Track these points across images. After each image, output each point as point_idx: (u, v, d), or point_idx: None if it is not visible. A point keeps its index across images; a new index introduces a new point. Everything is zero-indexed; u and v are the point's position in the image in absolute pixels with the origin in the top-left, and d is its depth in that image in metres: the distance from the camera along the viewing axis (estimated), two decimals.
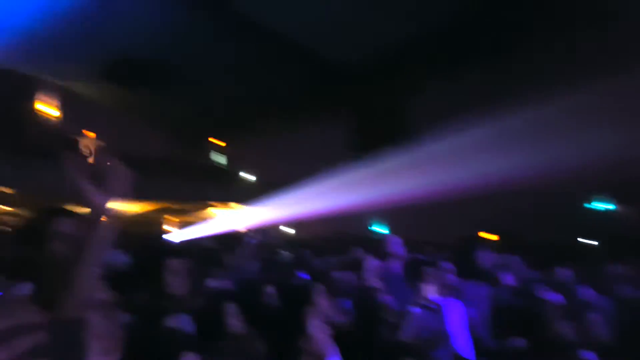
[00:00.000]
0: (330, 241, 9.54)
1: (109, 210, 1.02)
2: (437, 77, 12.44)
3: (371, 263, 3.79)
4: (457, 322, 3.02)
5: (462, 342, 2.99)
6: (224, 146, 19.63)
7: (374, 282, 3.61)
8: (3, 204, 12.95)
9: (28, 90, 14.33)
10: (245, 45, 11.85)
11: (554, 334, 3.11)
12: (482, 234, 10.88)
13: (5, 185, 11.23)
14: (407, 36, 11.65)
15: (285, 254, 6.49)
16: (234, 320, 2.44)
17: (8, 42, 11.77)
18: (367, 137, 13.27)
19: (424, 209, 10.27)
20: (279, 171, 13.85)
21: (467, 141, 9.46)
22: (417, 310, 2.82)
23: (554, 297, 3.33)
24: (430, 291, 2.89)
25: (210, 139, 20.00)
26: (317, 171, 10.57)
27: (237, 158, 18.06)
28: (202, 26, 10.92)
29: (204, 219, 15.26)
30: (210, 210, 16.73)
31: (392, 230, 11.74)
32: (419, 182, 9.67)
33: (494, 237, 11.47)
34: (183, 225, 16.89)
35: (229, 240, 9.68)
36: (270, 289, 3.59)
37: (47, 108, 14.83)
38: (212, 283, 3.97)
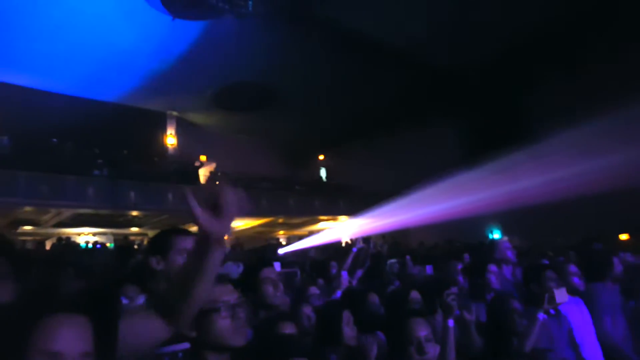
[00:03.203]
0: (440, 248, 9.17)
1: (226, 233, 1.10)
2: (556, 73, 11.59)
3: (492, 268, 3.56)
4: (583, 329, 2.69)
5: (591, 351, 2.65)
6: (331, 161, 20.18)
7: (497, 287, 3.42)
8: (133, 225, 14.69)
9: (152, 123, 16.21)
10: (351, 60, 12.12)
11: None
12: (613, 234, 9.65)
13: (134, 209, 12.78)
14: (524, 34, 11.09)
15: (392, 262, 6.38)
16: (347, 327, 2.46)
17: (135, 83, 13.54)
18: (481, 140, 12.64)
19: (544, 210, 9.45)
20: (387, 181, 13.78)
21: (589, 137, 8.57)
22: (540, 316, 2.56)
23: None
24: (557, 298, 2.60)
25: (319, 156, 20.72)
26: (427, 178, 10.31)
27: (344, 171, 18.36)
28: (306, 48, 11.40)
29: (312, 232, 15.72)
30: (318, 223, 17.19)
31: (509, 234, 10.93)
32: (538, 183, 8.95)
33: (625, 237, 10.06)
34: (292, 238, 17.57)
35: (335, 251, 9.88)
36: (373, 297, 3.55)
37: (169, 138, 16.65)
38: (318, 292, 4.04)
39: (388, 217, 10.91)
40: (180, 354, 1.54)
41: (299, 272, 6.33)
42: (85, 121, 12.78)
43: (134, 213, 13.06)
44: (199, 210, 1.06)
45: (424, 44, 11.55)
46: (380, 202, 11.54)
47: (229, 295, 1.53)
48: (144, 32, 11.27)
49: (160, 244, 1.79)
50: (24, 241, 12.65)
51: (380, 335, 2.86)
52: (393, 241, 10.39)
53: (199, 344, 1.48)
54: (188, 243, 1.75)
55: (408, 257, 5.81)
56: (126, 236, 14.19)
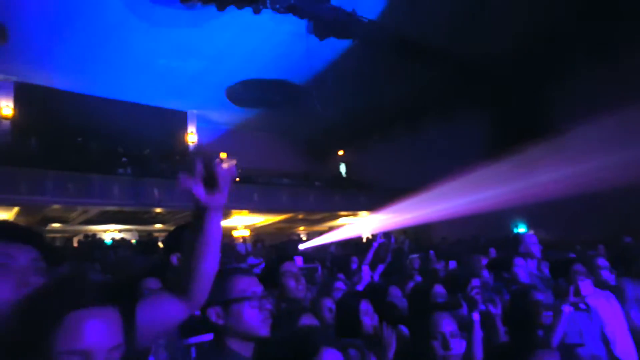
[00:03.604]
0: (464, 243, 9.04)
1: (222, 203, 1.12)
2: (582, 64, 11.28)
3: (519, 262, 3.50)
4: (615, 324, 2.60)
5: (623, 346, 2.56)
6: (351, 156, 20.11)
7: (525, 281, 3.36)
8: (157, 222, 14.94)
9: (174, 122, 16.44)
10: (371, 54, 12.01)
11: None
12: None
13: (157, 206, 13.03)
14: (549, 24, 10.82)
15: (413, 257, 6.33)
16: (366, 317, 2.45)
17: (156, 82, 13.73)
18: (506, 133, 12.40)
19: (571, 204, 9.21)
20: (408, 175, 13.66)
21: (617, 128, 8.31)
22: (566, 308, 2.49)
23: None
24: (581, 290, 2.53)
25: (338, 151, 20.69)
26: (449, 172, 10.16)
27: (364, 166, 18.26)
28: (325, 42, 11.35)
29: (332, 228, 15.72)
30: (338, 219, 17.18)
31: (534, 228, 10.71)
32: (565, 175, 8.73)
33: None
34: (313, 233, 17.60)
35: (356, 247, 9.85)
36: (395, 291, 3.52)
37: (190, 136, 16.87)
38: (344, 287, 4.03)
39: (409, 212, 10.81)
40: (206, 345, 1.56)
41: (319, 268, 6.35)
42: (109, 121, 13.06)
43: (158, 210, 13.29)
44: (193, 186, 1.11)
45: (447, 36, 11.35)
46: (401, 197, 11.44)
47: (256, 286, 1.55)
48: (164, 32, 11.42)
49: (178, 241, 1.82)
50: (53, 238, 13.03)
51: (403, 329, 2.84)
52: (415, 236, 10.31)
53: (225, 332, 1.49)
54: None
55: (432, 252, 5.76)
56: (150, 233, 14.45)
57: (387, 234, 4.86)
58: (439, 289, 2.72)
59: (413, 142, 15.59)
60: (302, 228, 18.68)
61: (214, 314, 1.48)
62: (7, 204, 10.74)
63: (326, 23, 10.83)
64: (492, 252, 5.10)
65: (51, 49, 11.57)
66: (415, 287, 3.06)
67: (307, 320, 2.16)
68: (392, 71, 12.60)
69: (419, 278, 4.20)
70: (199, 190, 1.11)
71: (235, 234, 15.25)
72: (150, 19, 10.92)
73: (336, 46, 11.93)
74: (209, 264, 1.15)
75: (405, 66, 12.37)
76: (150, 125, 14.79)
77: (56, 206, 11.50)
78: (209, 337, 1.54)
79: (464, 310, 2.64)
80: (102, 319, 0.87)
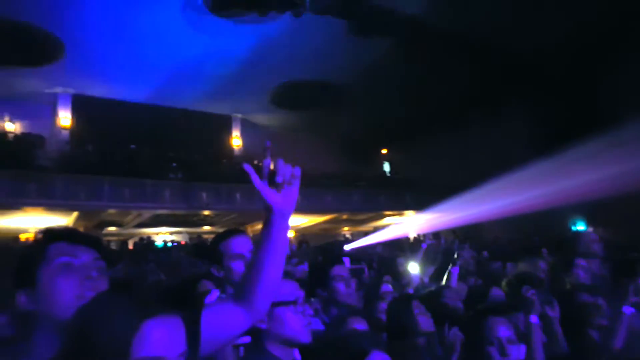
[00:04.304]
0: (518, 243, 8.65)
1: (289, 208, 1.15)
2: (638, 54, 10.56)
3: (580, 262, 3.30)
4: None
5: None
6: (396, 155, 19.85)
7: (586, 282, 3.16)
8: (205, 224, 15.36)
9: (219, 126, 16.85)
10: (415, 51, 11.79)
11: None
12: None
13: (206, 209, 13.40)
14: (602, 14, 10.19)
15: (464, 258, 6.13)
16: (422, 318, 2.38)
17: (202, 89, 14.13)
18: (560, 127, 11.80)
19: (632, 201, 8.62)
20: (456, 173, 13.29)
21: None
22: (627, 310, 2.31)
23: None
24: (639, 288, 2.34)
25: (382, 150, 20.47)
26: (499, 170, 9.75)
27: (409, 165, 17.93)
28: (367, 41, 11.25)
29: (377, 228, 15.55)
30: (384, 219, 16.99)
31: (594, 226, 10.08)
32: (626, 170, 8.18)
33: None
34: (357, 234, 17.49)
35: (403, 247, 9.68)
36: (450, 293, 3.40)
37: (234, 140, 17.23)
38: (387, 288, 3.96)
39: (458, 212, 10.48)
40: (241, 348, 1.56)
41: (366, 269, 6.28)
42: (159, 128, 13.58)
43: (206, 213, 13.67)
44: (261, 184, 1.12)
45: (492, 30, 10.96)
46: (449, 195, 11.12)
47: (299, 291, 1.53)
48: (209, 40, 11.72)
49: (213, 254, 1.87)
50: (109, 241, 13.68)
51: (458, 332, 2.74)
52: (465, 236, 9.97)
53: (266, 336, 1.48)
54: (236, 247, 1.84)
55: (485, 252, 5.55)
56: (200, 234, 14.89)
57: (436, 235, 4.76)
58: (495, 291, 2.60)
59: (460, 138, 15.11)
60: (346, 228, 18.62)
61: None
62: (68, 209, 11.39)
63: (366, 22, 10.74)
64: (544, 252, 4.85)
65: (105, 61, 12.16)
66: (471, 290, 2.95)
67: (358, 324, 2.12)
68: (436, 67, 12.29)
69: (472, 280, 4.05)
70: (266, 190, 1.13)
71: None
72: (196, 28, 11.24)
73: (378, 44, 11.80)
74: (272, 273, 1.14)
75: (450, 61, 12.03)
76: (198, 130, 15.24)
77: (112, 210, 12.08)
78: (244, 339, 1.53)
79: (522, 314, 2.51)
80: (171, 327, 0.91)
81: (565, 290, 2.89)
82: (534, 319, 2.26)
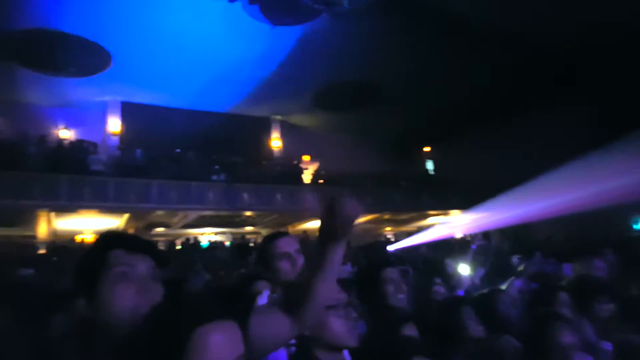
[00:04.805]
0: (574, 242, 8.20)
1: (346, 234, 1.18)
2: None
3: None
4: None
5: None
6: (439, 153, 19.41)
7: None
8: (248, 225, 15.60)
9: (259, 129, 17.07)
10: (458, 46, 11.48)
11: None
12: None
13: (248, 210, 13.61)
14: None
15: (515, 259, 5.89)
16: (472, 323, 2.29)
17: (242, 92, 14.37)
18: (616, 120, 11.13)
19: None
20: (503, 171, 12.82)
21: None
22: None
23: None
24: None
25: (424, 148, 20.08)
26: (550, 166, 9.29)
27: (453, 163, 17.43)
28: (407, 38, 11.05)
29: (421, 228, 15.27)
30: (427, 219, 16.66)
31: None
32: None
33: None
34: (401, 234, 17.25)
35: (449, 247, 9.44)
36: (504, 297, 3.26)
37: (274, 141, 17.40)
38: (440, 290, 3.85)
39: (506, 211, 10.07)
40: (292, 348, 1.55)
41: (410, 270, 6.16)
42: (202, 131, 13.93)
43: (248, 213, 13.88)
44: (322, 208, 1.16)
45: (543, 23, 10.49)
46: (496, 194, 10.73)
47: (341, 293, 1.50)
48: (247, 43, 11.89)
49: (261, 256, 1.92)
50: (157, 241, 14.17)
51: (511, 339, 2.64)
52: (514, 236, 9.58)
53: (310, 342, 1.45)
54: (282, 246, 1.88)
55: (539, 253, 5.31)
56: (242, 235, 15.16)
57: (486, 235, 4.59)
58: (562, 296, 2.45)
59: (508, 134, 14.53)
60: (388, 229, 18.39)
61: None
62: (119, 211, 11.88)
63: (408, 19, 10.55)
64: (607, 253, 4.55)
65: (149, 69, 12.61)
66: (534, 294, 2.80)
67: (408, 330, 2.05)
68: (481, 63, 11.91)
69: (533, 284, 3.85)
70: (330, 221, 1.16)
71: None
72: (235, 33, 11.44)
73: (420, 41, 11.57)
74: (325, 292, 1.18)
75: (495, 57, 11.62)
76: (239, 133, 15.52)
77: (160, 212, 12.50)
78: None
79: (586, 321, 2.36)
80: (225, 332, 0.92)
81: (630, 295, 2.70)
82: (606, 345, 2.12)
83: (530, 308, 2.58)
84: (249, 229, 16.11)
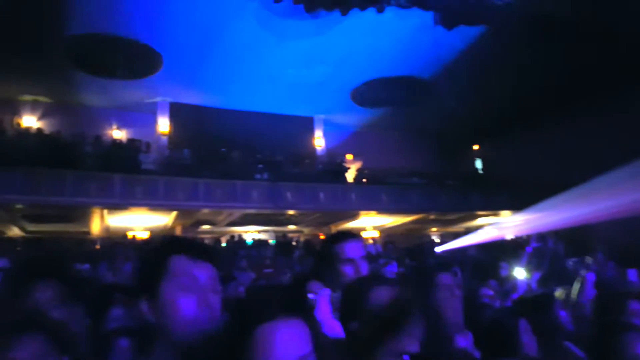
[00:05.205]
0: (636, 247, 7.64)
1: None
2: None
3: None
4: None
5: None
6: (488, 151, 18.70)
7: None
8: (290, 223, 15.68)
9: (302, 128, 17.13)
10: (509, 39, 11.00)
11: None
12: None
13: (291, 208, 13.68)
14: None
15: (571, 262, 5.57)
16: (525, 335, 2.14)
17: (285, 92, 14.46)
18: None
19: None
20: (558, 169, 12.18)
21: None
22: None
23: None
24: None
25: (473, 146, 19.41)
26: (612, 165, 8.68)
27: (504, 161, 16.65)
28: (453, 31, 10.70)
29: (470, 229, 14.78)
30: (476, 219, 16.11)
31: None
32: None
33: None
34: (447, 235, 16.80)
35: (500, 250, 9.05)
36: (562, 302, 3.05)
37: (317, 140, 17.40)
38: (489, 294, 3.67)
39: (562, 211, 9.52)
40: None
41: (459, 272, 5.95)
42: (247, 131, 14.15)
43: (291, 212, 13.96)
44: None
45: (600, 12, 9.83)
46: (550, 194, 10.17)
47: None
48: (291, 43, 11.94)
49: (325, 255, 1.92)
50: (203, 239, 14.54)
51: (572, 347, 2.49)
52: (569, 239, 9.03)
53: None
54: (349, 251, 1.87)
55: (600, 254, 4.98)
56: (285, 233, 15.28)
57: (542, 237, 4.34)
58: (634, 305, 2.25)
59: (564, 131, 13.74)
60: (434, 229, 17.96)
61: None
62: (168, 209, 12.27)
63: (455, 11, 10.20)
64: None
65: (197, 71, 12.93)
66: (603, 301, 2.60)
67: (461, 340, 1.95)
68: (534, 55, 11.31)
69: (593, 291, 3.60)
70: None
71: (364, 235, 15.29)
72: (278, 33, 11.51)
73: (466, 34, 11.17)
74: None
75: (550, 48, 11.01)
76: (281, 132, 15.65)
77: (206, 210, 12.80)
78: None
79: None
80: (290, 330, 0.93)
81: None
82: None
83: (597, 316, 2.39)
84: (292, 227, 16.22)
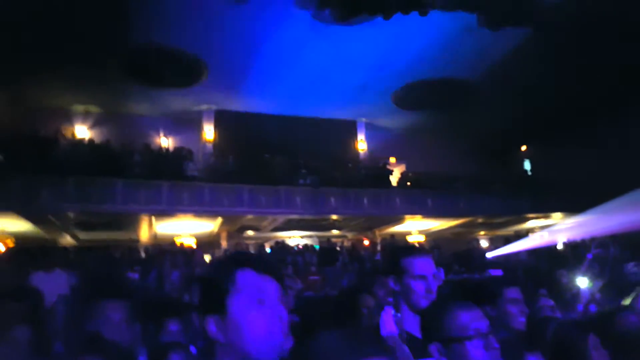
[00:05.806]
0: None
1: None
2: None
3: None
4: None
5: None
6: (538, 152, 17.92)
7: None
8: (334, 228, 15.62)
9: (345, 132, 17.07)
10: (557, 39, 10.55)
11: None
12: None
13: (334, 213, 13.62)
14: None
15: (631, 266, 5.19)
16: (594, 351, 1.99)
17: (328, 96, 14.47)
18: None
19: None
20: (617, 171, 11.47)
21: None
22: None
23: None
24: None
25: (521, 147, 18.68)
26: None
27: (555, 163, 15.87)
28: (499, 31, 10.38)
29: (519, 232, 14.21)
30: (526, 222, 15.45)
31: None
32: None
33: None
34: (495, 239, 16.22)
35: (555, 255, 8.59)
36: (630, 316, 2.84)
37: (360, 144, 17.28)
38: (548, 304, 3.47)
39: (621, 215, 8.93)
40: None
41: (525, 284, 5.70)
42: (289, 137, 14.27)
43: (334, 217, 13.92)
44: None
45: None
46: (607, 196, 9.59)
47: (480, 321, 1.34)
48: (334, 48, 11.94)
49: (394, 265, 1.85)
50: (247, 245, 14.74)
51: None
52: (629, 243, 8.45)
53: None
54: (420, 268, 1.80)
55: None
56: (328, 238, 15.24)
57: (603, 243, 4.07)
58: None
59: (620, 131, 12.98)
60: (482, 233, 17.40)
61: (436, 351, 1.32)
62: (213, 215, 12.53)
63: (500, 13, 9.89)
64: None
65: (241, 78, 13.19)
66: None
67: (532, 358, 1.84)
68: (584, 53, 10.76)
69: None
70: None
71: (409, 239, 15.02)
72: (321, 38, 11.56)
73: (512, 35, 10.79)
74: None
75: (602, 46, 10.43)
76: (324, 136, 15.68)
77: (250, 216, 12.98)
78: None
79: None
80: None
81: None
82: None
83: None
84: (335, 232, 16.17)
